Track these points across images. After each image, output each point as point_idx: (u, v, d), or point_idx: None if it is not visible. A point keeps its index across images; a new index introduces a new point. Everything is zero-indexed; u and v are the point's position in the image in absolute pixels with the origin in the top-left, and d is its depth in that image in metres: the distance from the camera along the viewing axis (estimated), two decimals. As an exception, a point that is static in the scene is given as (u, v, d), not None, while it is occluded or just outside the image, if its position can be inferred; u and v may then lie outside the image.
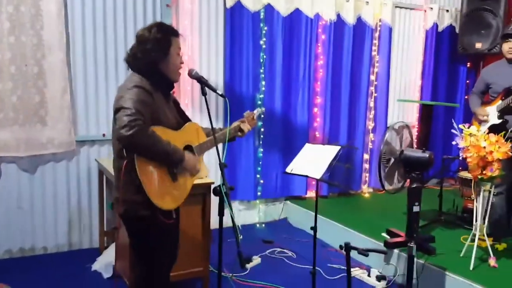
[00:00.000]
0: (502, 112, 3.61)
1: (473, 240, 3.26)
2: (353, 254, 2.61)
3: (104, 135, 3.91)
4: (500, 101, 3.63)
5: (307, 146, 3.07)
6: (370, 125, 5.32)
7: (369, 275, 3.47)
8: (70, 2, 3.73)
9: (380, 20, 5.18)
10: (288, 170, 2.94)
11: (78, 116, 3.86)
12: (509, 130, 3.56)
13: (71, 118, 3.76)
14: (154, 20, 4.02)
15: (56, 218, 3.85)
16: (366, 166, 5.37)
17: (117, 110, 2.02)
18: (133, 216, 2.14)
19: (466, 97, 5.86)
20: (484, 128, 3.66)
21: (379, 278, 3.39)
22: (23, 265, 3.63)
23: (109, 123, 3.93)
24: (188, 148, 2.27)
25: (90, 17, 3.81)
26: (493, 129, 3.56)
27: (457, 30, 5.60)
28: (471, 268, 3.16)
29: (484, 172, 3.05)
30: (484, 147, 3.01)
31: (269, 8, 4.53)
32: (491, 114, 3.70)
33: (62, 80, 3.68)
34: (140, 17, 3.99)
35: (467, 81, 5.88)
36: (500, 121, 3.62)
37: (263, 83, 4.59)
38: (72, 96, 3.80)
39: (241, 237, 4.24)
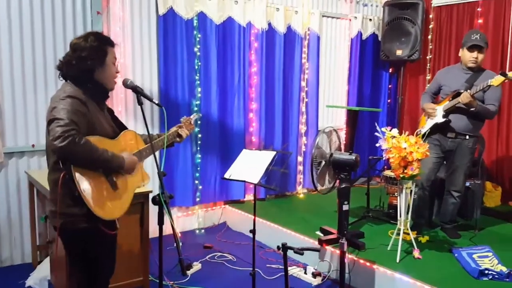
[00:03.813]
0: (447, 112, 3.83)
1: (398, 234, 3.50)
2: (290, 253, 2.76)
3: (33, 145, 3.77)
4: (447, 102, 3.84)
5: (244, 152, 3.17)
6: (303, 128, 5.53)
7: (305, 273, 3.62)
8: (-6, 8, 3.57)
9: (308, 29, 5.40)
10: (226, 176, 3.02)
11: (6, 127, 3.69)
12: (427, 131, 3.88)
13: (-3, 129, 3.60)
14: (84, 27, 3.94)
15: (-17, 235, 3.68)
16: (300, 168, 5.58)
17: (50, 121, 1.96)
18: (72, 229, 2.09)
19: (388, 100, 6.27)
20: (429, 125, 3.90)
21: (315, 274, 3.55)
22: None
23: (38, 133, 3.80)
24: None
25: (16, 24, 3.66)
26: (437, 127, 3.84)
27: (379, 38, 5.97)
28: (397, 261, 3.39)
29: (405, 171, 3.30)
30: (405, 148, 3.26)
31: (202, 16, 4.57)
32: (438, 113, 3.90)
33: (-14, 90, 3.52)
34: (70, 24, 3.89)
35: (390, 86, 6.27)
36: (443, 120, 3.83)
37: (199, 89, 4.63)
38: (-1, 107, 3.64)
39: (181, 244, 4.27)
